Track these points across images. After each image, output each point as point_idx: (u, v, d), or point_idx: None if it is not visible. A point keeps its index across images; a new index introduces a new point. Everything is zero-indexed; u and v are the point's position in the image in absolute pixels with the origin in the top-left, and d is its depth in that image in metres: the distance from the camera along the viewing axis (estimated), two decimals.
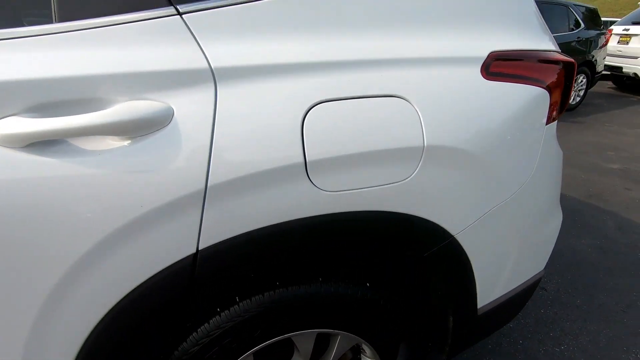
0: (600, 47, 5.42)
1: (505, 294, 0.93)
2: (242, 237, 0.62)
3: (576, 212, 2.48)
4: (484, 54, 0.73)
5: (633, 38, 6.08)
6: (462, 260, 0.80)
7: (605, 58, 5.80)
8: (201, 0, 0.58)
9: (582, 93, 5.46)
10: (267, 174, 0.59)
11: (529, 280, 0.98)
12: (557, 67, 0.82)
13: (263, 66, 0.59)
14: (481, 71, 0.72)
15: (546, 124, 0.81)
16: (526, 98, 0.76)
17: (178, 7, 0.58)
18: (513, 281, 0.93)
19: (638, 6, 6.67)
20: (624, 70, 6.26)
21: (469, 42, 0.73)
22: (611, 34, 6.36)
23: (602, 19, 7.54)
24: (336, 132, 0.62)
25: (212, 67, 0.57)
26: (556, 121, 0.87)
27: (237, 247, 0.62)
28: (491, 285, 0.88)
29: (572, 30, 5.05)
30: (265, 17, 0.61)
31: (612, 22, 8.13)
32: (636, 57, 5.99)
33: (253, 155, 0.58)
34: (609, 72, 6.47)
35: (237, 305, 0.71)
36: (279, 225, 0.63)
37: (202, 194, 0.57)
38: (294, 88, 0.60)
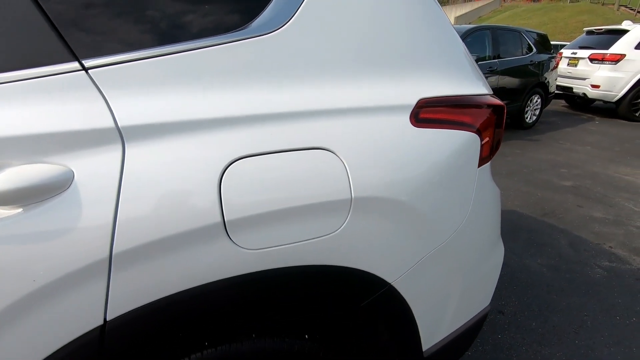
0: (552, 70, 5.79)
1: (451, 334, 0.93)
2: (159, 303, 0.58)
3: (532, 231, 2.57)
4: (413, 101, 0.74)
5: (580, 61, 6.55)
6: (401, 306, 0.78)
7: (557, 79, 6.21)
8: (109, 54, 0.56)
9: (537, 112, 5.78)
10: (181, 237, 0.56)
11: (474, 317, 0.98)
12: (488, 111, 0.84)
13: (177, 123, 0.57)
14: (410, 118, 0.73)
15: (478, 167, 0.83)
16: (457, 143, 0.78)
17: (83, 61, 0.54)
18: (458, 320, 0.93)
19: (584, 31, 7.22)
20: (574, 90, 6.71)
21: (398, 90, 0.73)
22: (561, 57, 6.85)
23: (553, 42, 8.11)
24: (258, 188, 0.60)
25: (120, 125, 0.54)
26: (489, 162, 0.89)
27: (154, 313, 0.58)
28: (435, 327, 0.87)
29: (526, 54, 5.37)
30: (179, 70, 0.58)
31: (562, 46, 8.76)
32: (584, 79, 6.44)
33: (165, 217, 0.55)
34: (561, 92, 6.92)
35: None
36: (199, 287, 0.59)
37: (107, 263, 0.52)
38: (212, 144, 0.58)
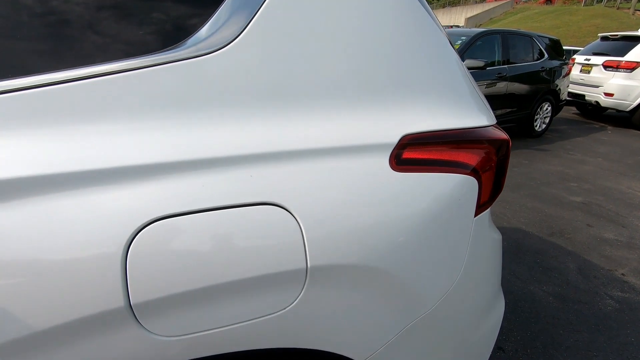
0: (564, 77, 5.58)
1: None
2: None
3: (538, 253, 2.40)
4: (395, 138, 0.59)
5: (594, 68, 6.32)
6: None
7: (568, 86, 5.99)
8: None
9: (547, 120, 5.58)
10: (68, 327, 0.42)
11: None
12: (487, 147, 0.69)
13: (69, 174, 0.43)
14: (390, 161, 0.58)
15: (475, 216, 0.68)
16: (448, 190, 0.63)
17: None
18: None
19: (598, 37, 6.97)
20: (586, 98, 6.48)
21: (376, 124, 0.59)
22: (574, 63, 6.61)
23: (566, 47, 7.86)
24: (179, 259, 0.46)
25: None
26: (489, 209, 0.74)
27: None
28: None
29: (537, 60, 5.17)
30: (75, 103, 0.44)
31: (575, 51, 8.51)
32: (597, 86, 6.21)
33: (46, 304, 0.41)
34: (572, 99, 6.69)
35: None
36: None
37: None
38: (117, 202, 0.44)
